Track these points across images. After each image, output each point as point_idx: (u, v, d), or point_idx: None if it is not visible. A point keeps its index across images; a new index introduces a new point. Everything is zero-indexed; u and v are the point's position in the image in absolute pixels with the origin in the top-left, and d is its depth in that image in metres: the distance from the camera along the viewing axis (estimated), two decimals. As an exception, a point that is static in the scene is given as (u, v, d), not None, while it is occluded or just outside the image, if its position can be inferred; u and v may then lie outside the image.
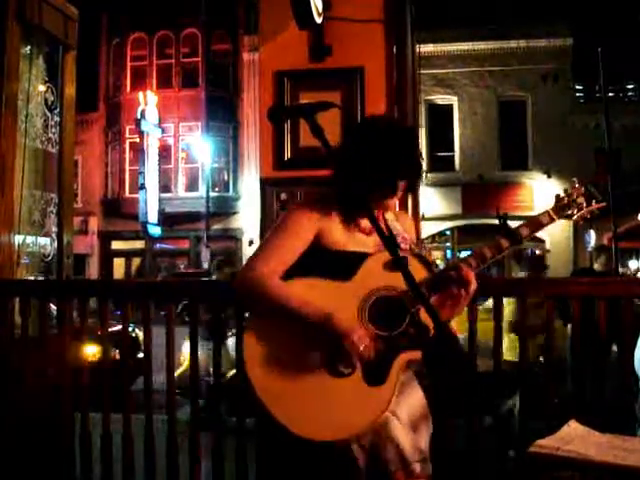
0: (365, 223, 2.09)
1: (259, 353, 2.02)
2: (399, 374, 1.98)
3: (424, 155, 21.74)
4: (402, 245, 2.13)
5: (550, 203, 2.20)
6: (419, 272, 1.97)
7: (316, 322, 1.96)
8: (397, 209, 2.41)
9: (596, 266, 7.02)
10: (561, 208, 2.14)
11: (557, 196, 2.17)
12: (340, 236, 2.08)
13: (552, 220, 2.13)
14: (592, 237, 20.21)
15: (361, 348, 1.93)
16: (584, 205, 2.14)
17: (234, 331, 3.16)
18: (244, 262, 2.18)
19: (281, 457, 2.16)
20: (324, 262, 2.05)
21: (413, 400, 2.12)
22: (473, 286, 2.02)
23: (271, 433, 2.06)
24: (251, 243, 22.17)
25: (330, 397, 1.96)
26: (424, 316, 1.93)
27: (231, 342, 4.17)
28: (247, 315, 2.06)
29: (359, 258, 2.04)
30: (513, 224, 2.12)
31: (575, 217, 2.15)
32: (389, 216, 2.20)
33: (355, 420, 1.95)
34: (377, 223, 1.82)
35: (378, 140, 2.05)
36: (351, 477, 2.00)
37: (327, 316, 1.95)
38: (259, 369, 2.01)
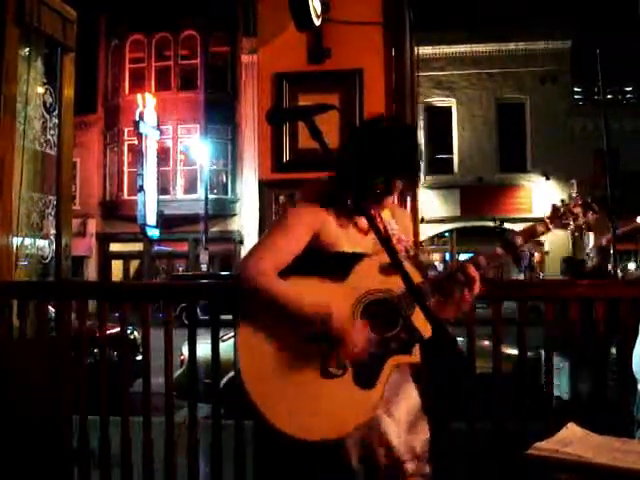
0: (362, 223, 2.08)
1: (251, 355, 2.01)
2: (388, 377, 1.99)
3: (423, 157, 21.86)
4: (397, 246, 2.12)
5: (549, 205, 2.22)
6: (413, 276, 1.97)
7: (314, 314, 1.94)
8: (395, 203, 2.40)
9: (589, 264, 7.02)
10: (557, 217, 2.17)
11: (553, 206, 2.21)
12: (337, 237, 2.07)
13: (548, 229, 2.17)
14: (590, 239, 20.24)
15: (355, 351, 1.94)
16: (580, 215, 2.17)
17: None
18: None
19: (276, 457, 2.16)
20: (320, 263, 2.05)
21: (410, 400, 2.13)
22: (477, 286, 2.04)
23: (267, 435, 2.06)
24: None
25: (320, 398, 1.97)
26: (417, 321, 1.95)
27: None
28: (240, 316, 2.04)
29: (355, 259, 2.04)
30: (514, 226, 2.13)
31: (571, 227, 2.18)
32: (385, 215, 2.19)
33: (343, 422, 1.97)
34: (376, 225, 1.81)
35: (374, 139, 2.05)
36: (343, 474, 2.01)
37: (327, 310, 1.93)
38: (252, 370, 2.00)
